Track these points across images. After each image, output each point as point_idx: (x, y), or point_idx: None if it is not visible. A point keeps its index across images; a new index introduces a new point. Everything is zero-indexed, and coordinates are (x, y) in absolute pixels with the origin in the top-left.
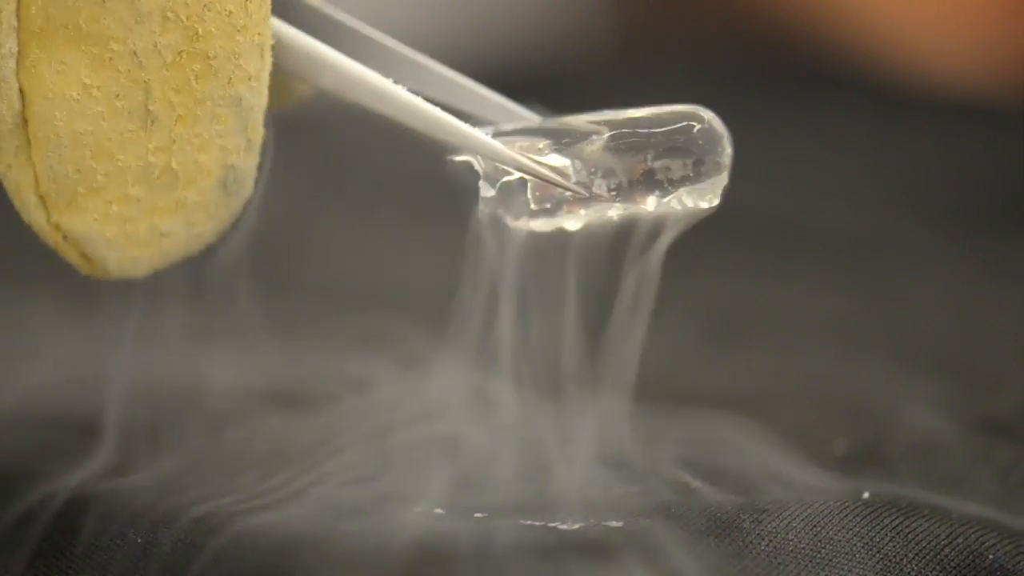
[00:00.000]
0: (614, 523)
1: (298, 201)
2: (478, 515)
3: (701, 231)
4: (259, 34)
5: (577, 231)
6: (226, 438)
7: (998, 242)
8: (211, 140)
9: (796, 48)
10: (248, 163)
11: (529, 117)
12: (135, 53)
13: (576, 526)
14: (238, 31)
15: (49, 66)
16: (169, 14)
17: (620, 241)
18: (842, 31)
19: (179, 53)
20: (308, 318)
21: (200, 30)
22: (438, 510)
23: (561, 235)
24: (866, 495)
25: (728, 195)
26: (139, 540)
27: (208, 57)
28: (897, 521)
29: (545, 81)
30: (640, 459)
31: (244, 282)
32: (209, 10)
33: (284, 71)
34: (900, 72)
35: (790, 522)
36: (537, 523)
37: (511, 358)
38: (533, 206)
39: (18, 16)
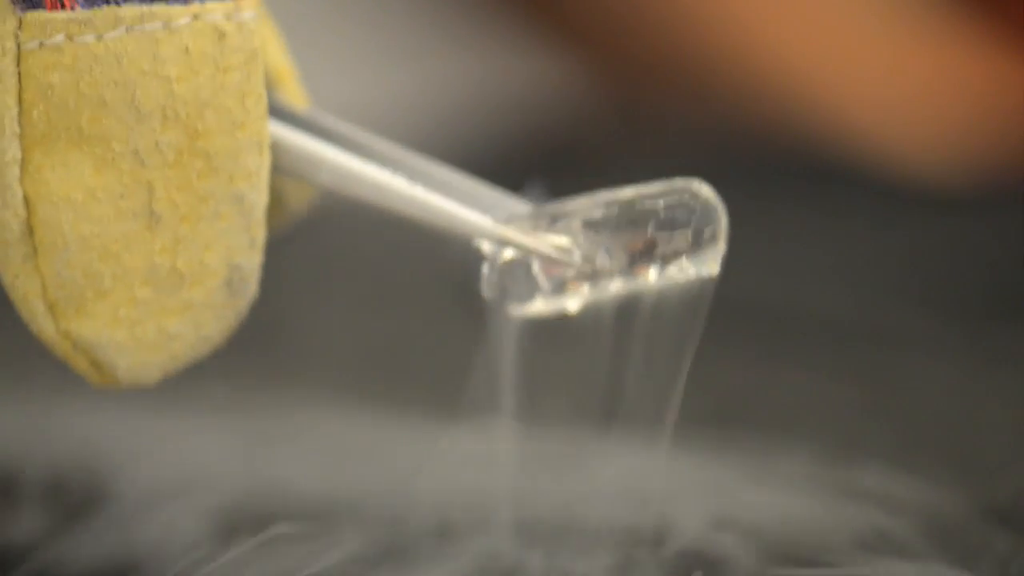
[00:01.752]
0: None
1: (298, 293)
2: None
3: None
4: (257, 132)
5: (579, 311)
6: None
7: (998, 331)
8: (215, 239)
9: (795, 137)
10: (252, 262)
11: (522, 205)
12: (137, 152)
13: None
14: (237, 128)
15: (53, 171)
16: (169, 112)
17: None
18: (836, 123)
19: (180, 152)
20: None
21: (200, 127)
22: None
23: (561, 318)
24: None
25: (725, 283)
26: None
27: (209, 155)
28: None
29: (541, 166)
30: (641, 545)
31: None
32: (208, 107)
33: (281, 171)
34: (898, 161)
35: None
36: None
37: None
38: (543, 285)
39: (20, 122)
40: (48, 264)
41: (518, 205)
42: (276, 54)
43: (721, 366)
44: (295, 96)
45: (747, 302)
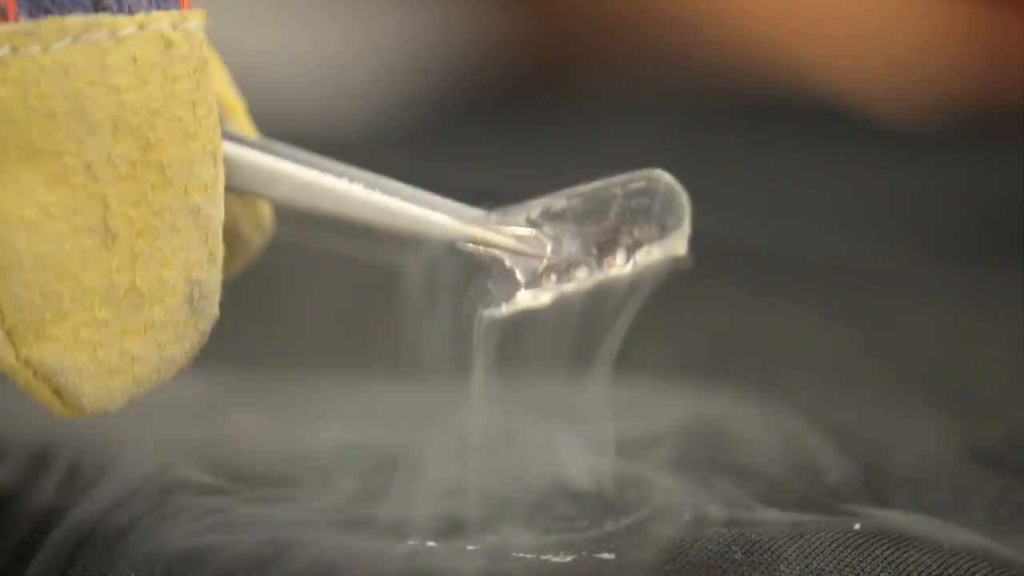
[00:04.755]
0: (606, 555)
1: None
2: (470, 548)
3: (694, 260)
4: (210, 142)
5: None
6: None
7: (991, 271)
8: (173, 254)
9: (785, 81)
10: (212, 277)
11: (479, 211)
12: (89, 166)
13: (568, 559)
14: (189, 138)
15: (4, 189)
16: (120, 123)
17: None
18: (826, 69)
19: (133, 164)
20: None
21: (152, 138)
22: (430, 543)
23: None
24: (857, 526)
25: (716, 224)
26: None
27: (162, 166)
28: (888, 552)
29: (521, 113)
30: (630, 490)
31: None
32: (159, 117)
33: (238, 189)
34: (890, 103)
35: (781, 553)
36: (529, 556)
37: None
38: (520, 278)
39: None
40: (4, 286)
41: (475, 210)
42: (224, 87)
43: (712, 307)
44: (245, 129)
45: (737, 243)
